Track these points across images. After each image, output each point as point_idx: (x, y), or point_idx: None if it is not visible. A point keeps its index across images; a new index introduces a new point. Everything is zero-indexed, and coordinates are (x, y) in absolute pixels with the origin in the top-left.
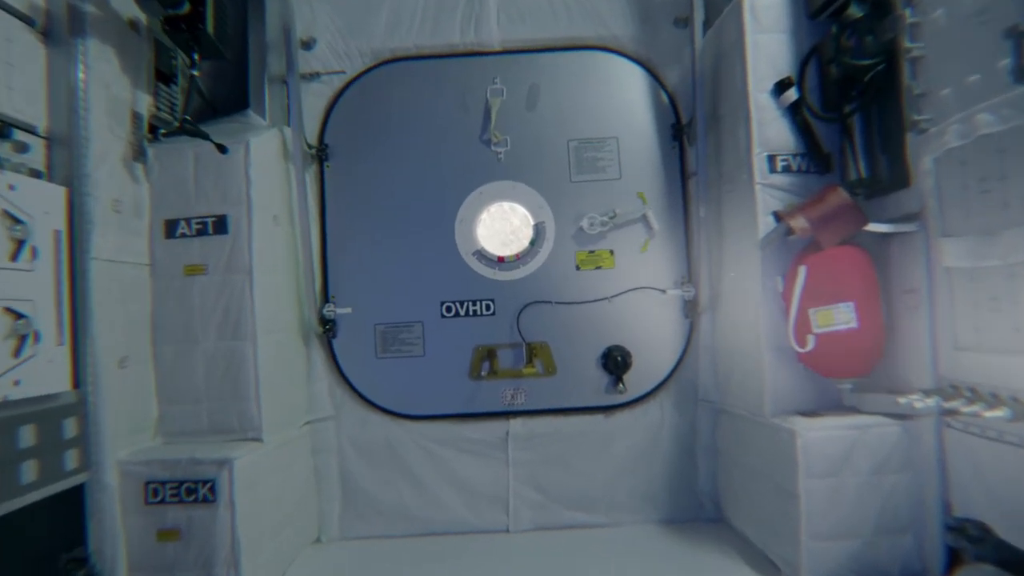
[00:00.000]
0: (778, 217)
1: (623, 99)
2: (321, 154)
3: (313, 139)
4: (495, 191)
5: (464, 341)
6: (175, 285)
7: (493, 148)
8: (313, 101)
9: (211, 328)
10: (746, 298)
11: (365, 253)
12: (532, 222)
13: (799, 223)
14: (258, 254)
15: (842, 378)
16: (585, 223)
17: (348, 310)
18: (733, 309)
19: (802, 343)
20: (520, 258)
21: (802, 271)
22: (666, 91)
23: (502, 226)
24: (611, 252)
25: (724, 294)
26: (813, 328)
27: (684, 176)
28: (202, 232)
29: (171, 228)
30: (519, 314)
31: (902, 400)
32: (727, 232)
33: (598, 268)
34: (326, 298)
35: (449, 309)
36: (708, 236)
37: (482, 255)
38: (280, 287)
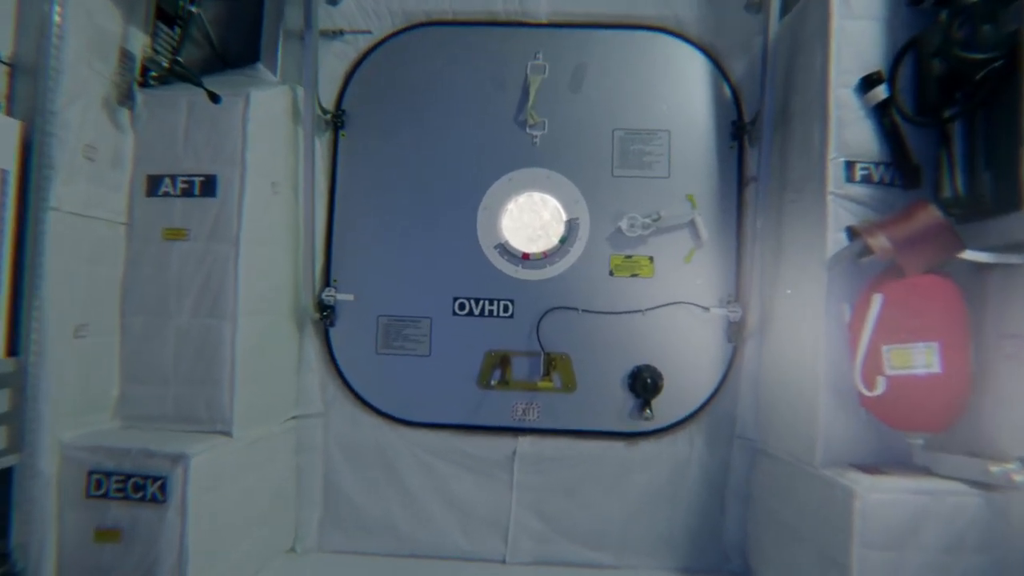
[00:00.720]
0: (853, 234)
1: (680, 88)
2: (337, 121)
3: (330, 104)
4: (526, 179)
5: (475, 344)
6: (151, 249)
7: (528, 131)
8: (333, 62)
9: (187, 301)
10: (804, 325)
11: (375, 235)
12: (564, 217)
13: (880, 242)
14: (249, 223)
15: (914, 432)
16: (624, 224)
17: (350, 297)
18: (786, 337)
19: (870, 385)
20: (547, 257)
21: (877, 300)
22: (729, 83)
23: (530, 219)
24: (650, 259)
25: (777, 318)
26: (885, 369)
27: (741, 181)
28: (187, 192)
29: (154, 185)
30: (540, 319)
31: (995, 468)
32: (787, 248)
33: (634, 276)
34: (327, 282)
35: (462, 307)
36: (763, 251)
37: (505, 249)
38: (273, 264)
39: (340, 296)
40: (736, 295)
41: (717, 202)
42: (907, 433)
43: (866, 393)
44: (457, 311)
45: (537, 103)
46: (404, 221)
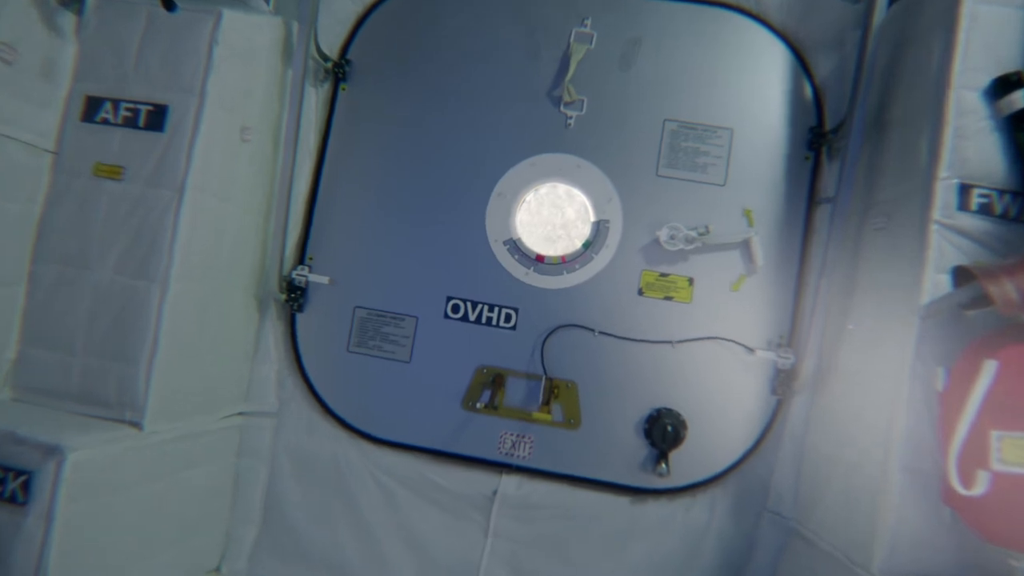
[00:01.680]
0: (962, 276)
1: (750, 81)
2: (338, 71)
3: (333, 50)
4: (552, 165)
5: (466, 355)
6: (78, 186)
7: (563, 109)
8: (343, 2)
9: (111, 254)
10: (877, 387)
11: (365, 210)
12: (592, 218)
13: (1004, 292)
14: (201, 169)
15: (1021, 552)
16: (664, 234)
17: (325, 280)
18: (850, 397)
19: (966, 480)
20: (566, 262)
21: (989, 369)
22: (812, 82)
23: (551, 215)
24: (690, 281)
25: (839, 373)
26: (991, 462)
27: (812, 200)
28: (130, 122)
29: (92, 108)
30: (547, 337)
31: None
32: (863, 286)
33: (668, 299)
34: (300, 258)
35: (456, 309)
36: (831, 287)
37: (516, 247)
38: (232, 225)
39: (313, 277)
40: (790, 338)
41: (780, 222)
42: (1010, 552)
43: (960, 490)
44: (450, 313)
45: (577, 77)
46: (401, 198)
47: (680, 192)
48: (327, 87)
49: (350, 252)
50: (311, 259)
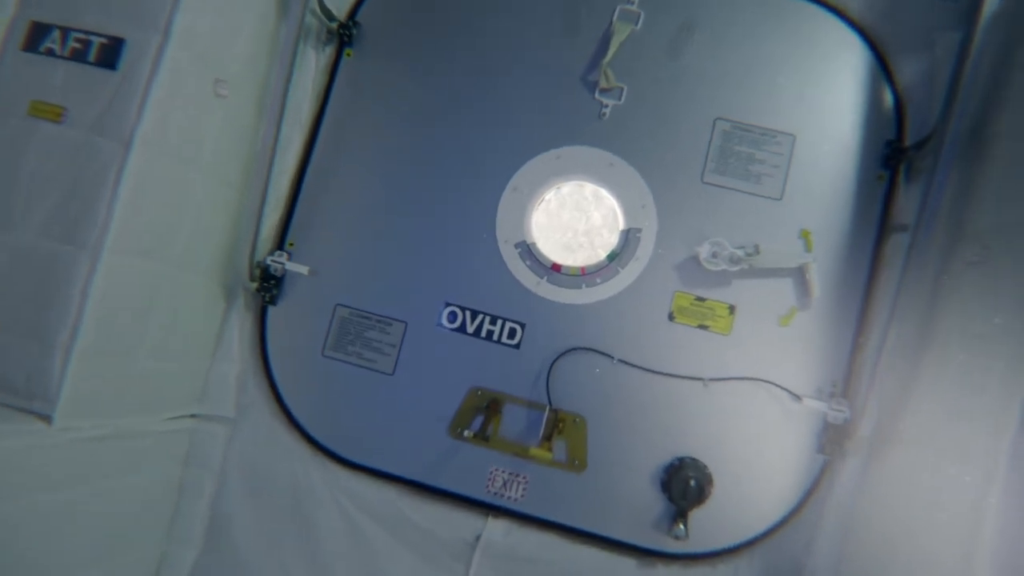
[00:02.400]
0: None
1: (820, 81)
2: (344, 34)
3: (341, 11)
4: (581, 160)
5: (459, 372)
6: (9, 126)
7: (598, 96)
8: None
9: (38, 211)
10: (961, 460)
11: (359, 195)
12: (622, 226)
13: None
14: (158, 122)
15: None
16: (705, 251)
17: (304, 270)
18: (920, 469)
19: None
20: (586, 274)
21: None
22: (893, 88)
23: (573, 218)
24: (731, 309)
25: (907, 436)
26: None
27: (884, 225)
28: (79, 56)
29: (37, 36)
30: (556, 360)
31: None
32: (947, 332)
33: (703, 327)
34: (279, 243)
35: (453, 317)
36: (902, 331)
37: (530, 252)
38: (197, 194)
39: (292, 266)
40: (845, 387)
41: (843, 249)
42: None
43: None
44: (445, 322)
45: (617, 61)
46: (402, 184)
47: (727, 203)
48: (330, 51)
49: (337, 241)
50: (291, 245)
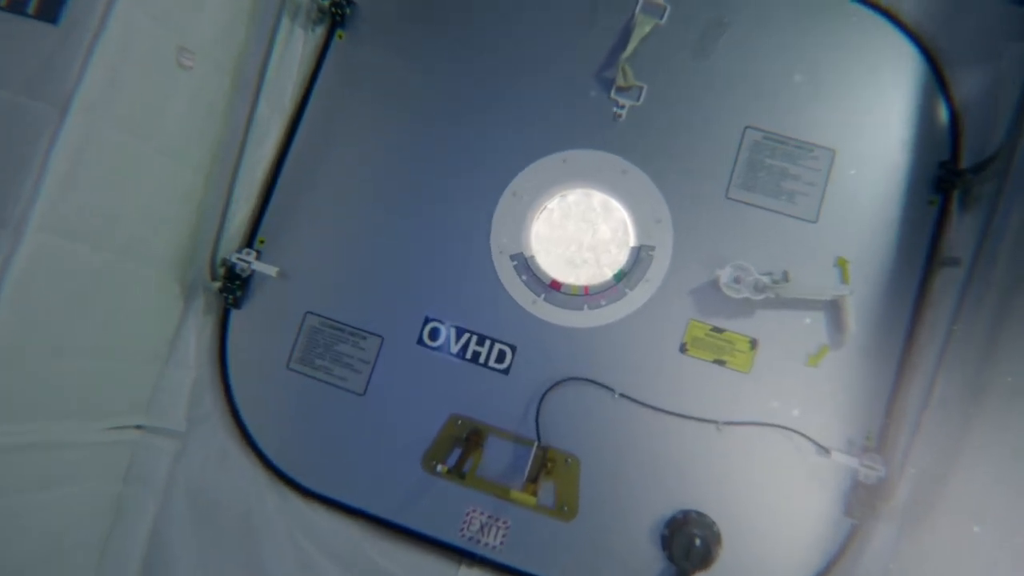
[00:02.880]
0: None
1: (866, 92)
2: (337, 13)
3: None
4: (589, 166)
5: (438, 397)
6: None
7: (614, 95)
8: None
9: None
10: (1011, 538)
11: (342, 191)
12: (632, 242)
13: None
14: (103, 87)
15: None
16: (726, 275)
17: (274, 272)
18: (963, 542)
19: None
20: (589, 295)
21: None
22: (950, 103)
23: (579, 230)
24: (752, 343)
25: (953, 504)
26: None
27: (933, 257)
28: (17, 7)
29: None
30: (549, 390)
31: None
32: (1002, 390)
33: (719, 363)
34: (249, 240)
35: (435, 334)
36: (951, 384)
37: (527, 266)
38: (153, 177)
39: (259, 266)
40: (880, 441)
41: (885, 281)
42: None
43: None
44: (426, 339)
45: (637, 58)
46: (390, 182)
47: (755, 223)
48: (320, 31)
49: (313, 241)
50: (262, 243)
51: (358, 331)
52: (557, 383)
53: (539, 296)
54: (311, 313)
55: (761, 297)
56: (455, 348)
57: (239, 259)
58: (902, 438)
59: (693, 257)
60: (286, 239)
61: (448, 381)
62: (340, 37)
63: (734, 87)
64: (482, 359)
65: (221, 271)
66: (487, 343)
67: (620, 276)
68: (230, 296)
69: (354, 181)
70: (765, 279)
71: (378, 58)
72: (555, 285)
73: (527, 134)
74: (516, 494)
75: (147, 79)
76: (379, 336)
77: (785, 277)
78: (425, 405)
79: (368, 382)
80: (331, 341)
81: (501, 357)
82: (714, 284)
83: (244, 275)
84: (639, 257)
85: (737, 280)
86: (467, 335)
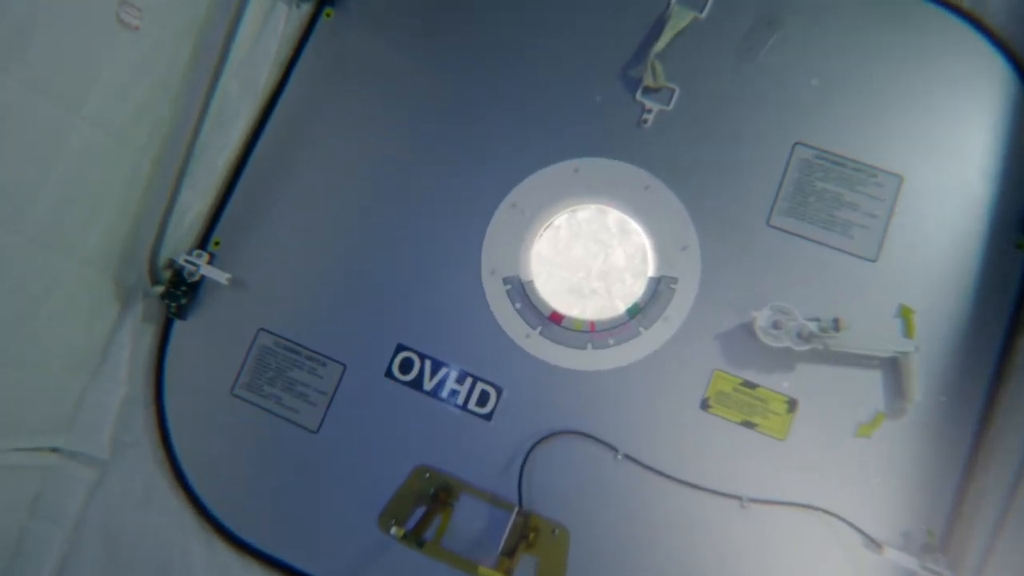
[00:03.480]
0: None
1: (943, 111)
2: None
3: None
4: (607, 178)
5: (404, 441)
6: None
7: (640, 97)
8: None
9: None
10: None
11: (312, 193)
12: (652, 271)
13: None
14: (14, 43)
15: None
16: (764, 318)
17: (224, 279)
18: None
19: None
20: (596, 332)
21: None
22: None
23: (588, 254)
24: (790, 404)
25: None
26: None
27: (1019, 313)
28: None
29: None
30: (537, 443)
31: None
32: None
33: (748, 424)
34: (202, 241)
35: (407, 366)
36: None
37: (523, 292)
38: (82, 155)
39: (209, 271)
40: (945, 539)
41: (959, 338)
42: None
43: None
44: (396, 372)
45: (669, 55)
46: (370, 185)
47: (801, 258)
48: (306, 8)
49: (275, 247)
50: (217, 245)
51: (316, 355)
52: (548, 436)
53: (535, 329)
54: (265, 331)
55: (805, 348)
56: (429, 385)
57: (187, 261)
58: (973, 537)
59: (724, 294)
60: (245, 242)
61: (418, 424)
62: (328, 16)
63: (784, 95)
64: (460, 400)
65: (166, 274)
66: (468, 381)
67: (634, 311)
68: (173, 304)
69: (329, 181)
70: (811, 326)
71: (371, 42)
72: (555, 317)
73: (534, 136)
74: (485, 571)
75: (72, 34)
76: (341, 363)
77: (836, 326)
78: (389, 450)
79: (324, 418)
80: (284, 365)
81: (484, 399)
82: (748, 329)
83: (192, 280)
84: (658, 290)
85: (776, 325)
86: (444, 369)
